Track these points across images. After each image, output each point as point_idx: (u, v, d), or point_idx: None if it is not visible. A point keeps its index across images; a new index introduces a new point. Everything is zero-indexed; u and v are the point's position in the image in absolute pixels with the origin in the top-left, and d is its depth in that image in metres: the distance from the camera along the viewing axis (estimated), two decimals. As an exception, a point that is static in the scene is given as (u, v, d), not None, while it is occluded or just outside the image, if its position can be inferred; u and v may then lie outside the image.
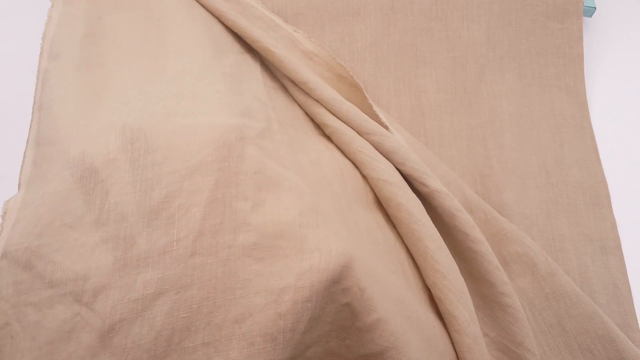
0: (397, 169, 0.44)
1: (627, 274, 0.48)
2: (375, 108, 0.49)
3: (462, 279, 0.40)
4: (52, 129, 0.39)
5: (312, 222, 0.36)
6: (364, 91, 0.50)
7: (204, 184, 0.34)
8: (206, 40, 0.47)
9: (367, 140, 0.45)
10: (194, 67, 0.43)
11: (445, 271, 0.39)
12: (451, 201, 0.42)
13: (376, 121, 0.47)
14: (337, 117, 0.46)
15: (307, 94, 0.47)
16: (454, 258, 0.41)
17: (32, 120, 0.42)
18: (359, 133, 0.45)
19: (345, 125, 0.46)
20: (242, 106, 0.41)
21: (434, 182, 0.43)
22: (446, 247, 0.41)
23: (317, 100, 0.47)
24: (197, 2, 0.50)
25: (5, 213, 0.35)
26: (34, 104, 0.43)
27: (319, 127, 0.49)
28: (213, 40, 0.47)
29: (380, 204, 0.44)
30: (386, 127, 0.47)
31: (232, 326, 0.32)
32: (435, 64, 0.56)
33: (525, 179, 0.52)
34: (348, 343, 0.36)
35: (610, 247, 0.49)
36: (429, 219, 0.41)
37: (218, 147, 0.36)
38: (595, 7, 0.57)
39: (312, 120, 0.49)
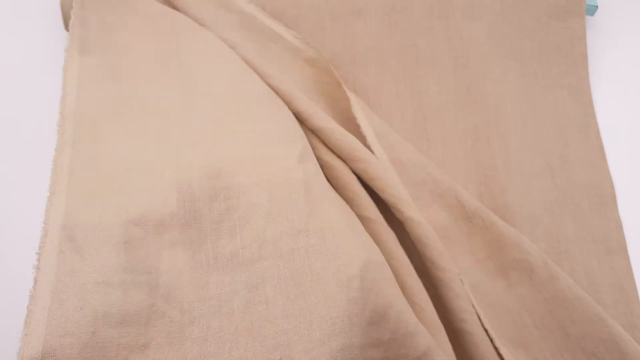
0: (379, 195, 0.45)
1: (633, 275, 0.48)
2: (363, 128, 0.48)
3: (435, 311, 0.41)
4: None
5: (358, 229, 0.40)
6: (352, 107, 0.49)
7: (259, 200, 0.38)
8: (231, 67, 0.48)
9: (354, 168, 0.45)
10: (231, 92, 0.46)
11: (423, 304, 0.41)
12: (423, 228, 0.43)
13: (362, 141, 0.47)
14: (329, 147, 0.46)
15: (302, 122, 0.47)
16: (423, 284, 0.43)
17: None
18: (347, 161, 0.46)
19: (335, 157, 0.46)
20: (282, 129, 0.44)
21: (408, 209, 0.44)
22: (420, 281, 0.42)
23: (310, 129, 0.47)
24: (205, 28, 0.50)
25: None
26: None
27: None
28: (237, 64, 0.48)
29: None
30: (370, 150, 0.47)
31: (309, 313, 0.34)
32: (437, 64, 0.55)
33: (530, 180, 0.51)
34: None
35: (615, 247, 0.49)
36: (405, 253, 0.43)
37: (263, 176, 0.39)
38: (597, 6, 0.56)
39: None
